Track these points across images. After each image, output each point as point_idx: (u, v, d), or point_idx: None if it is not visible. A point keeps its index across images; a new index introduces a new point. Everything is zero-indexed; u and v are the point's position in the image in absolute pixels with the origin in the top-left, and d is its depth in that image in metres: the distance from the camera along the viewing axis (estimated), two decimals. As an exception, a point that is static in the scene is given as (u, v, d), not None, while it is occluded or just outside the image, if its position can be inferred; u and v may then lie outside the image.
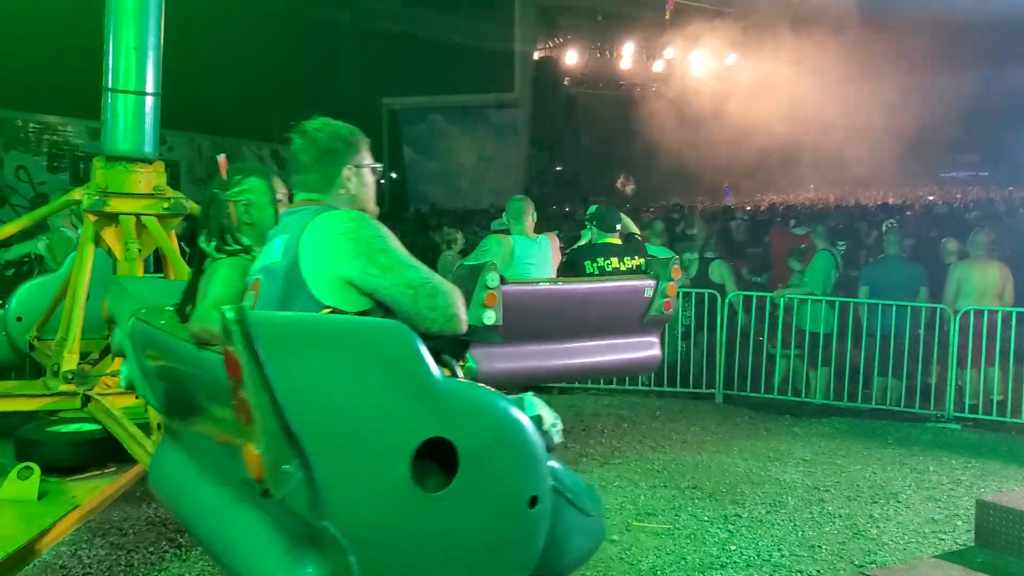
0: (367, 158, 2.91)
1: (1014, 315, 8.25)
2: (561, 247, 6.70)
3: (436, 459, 2.26)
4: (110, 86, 4.71)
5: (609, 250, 6.27)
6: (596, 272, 6.22)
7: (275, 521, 2.36)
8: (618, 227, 6.41)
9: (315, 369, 2.16)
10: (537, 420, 2.63)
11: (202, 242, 3.28)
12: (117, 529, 5.26)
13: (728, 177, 32.46)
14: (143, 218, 4.71)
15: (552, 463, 2.58)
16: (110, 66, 4.71)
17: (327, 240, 2.55)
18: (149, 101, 4.74)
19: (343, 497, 2.18)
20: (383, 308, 2.54)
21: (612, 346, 5.90)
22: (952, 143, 37.87)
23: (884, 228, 11.13)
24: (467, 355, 5.21)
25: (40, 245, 7.17)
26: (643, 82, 35.06)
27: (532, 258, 6.22)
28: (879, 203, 20.77)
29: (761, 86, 35.36)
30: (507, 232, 6.54)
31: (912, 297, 8.61)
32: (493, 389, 2.47)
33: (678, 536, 5.28)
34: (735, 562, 4.90)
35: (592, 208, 6.78)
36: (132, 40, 4.65)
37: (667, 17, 31.22)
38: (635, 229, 6.79)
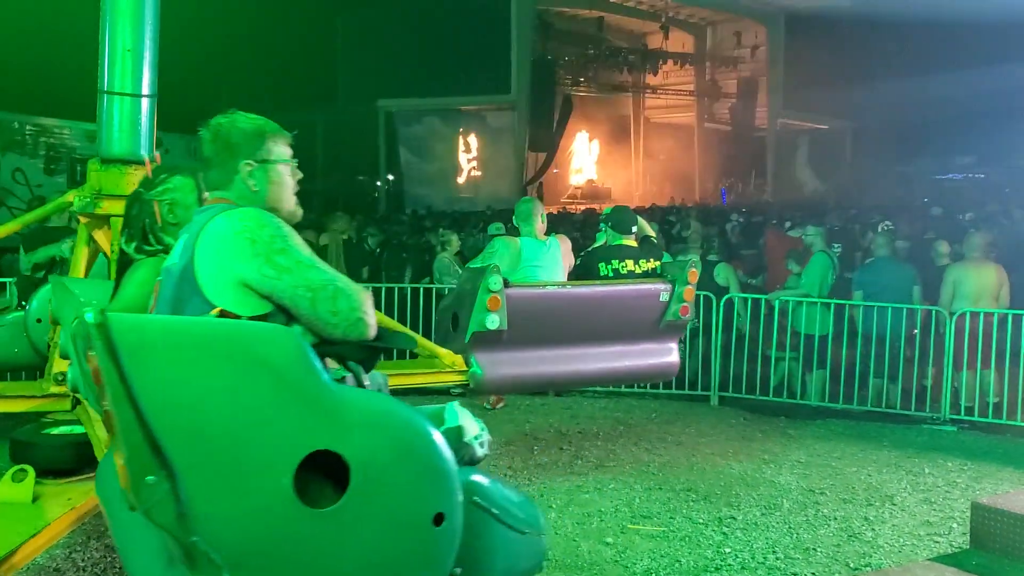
0: (276, 153, 2.72)
1: (1010, 317, 8.26)
2: (574, 249, 6.65)
3: (330, 473, 2.13)
4: (105, 88, 4.71)
5: (624, 252, 6.15)
6: (611, 275, 6.13)
7: (161, 534, 2.25)
8: (634, 229, 6.29)
9: (185, 376, 2.04)
10: (458, 431, 2.53)
11: (123, 243, 3.23)
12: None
13: (724, 179, 32.48)
14: (113, 220, 4.67)
15: (478, 477, 2.49)
16: (105, 68, 4.71)
17: (223, 240, 2.41)
18: (145, 103, 4.73)
19: (216, 511, 2.07)
20: (285, 313, 2.40)
21: (626, 352, 5.69)
22: (948, 145, 37.98)
23: (879, 230, 11.16)
24: (472, 360, 5.14)
25: (64, 247, 7.18)
26: (640, 86, 35.12)
27: (540, 260, 6.15)
28: (874, 205, 20.74)
29: (753, 91, 35.42)
30: (516, 234, 6.55)
31: (905, 298, 8.62)
32: (395, 398, 2.36)
33: (673, 538, 5.28)
34: (730, 565, 4.90)
35: (607, 210, 6.57)
36: (128, 42, 4.64)
37: (663, 22, 31.25)
38: (651, 232, 6.70)
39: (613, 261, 6.06)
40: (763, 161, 35.37)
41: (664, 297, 5.65)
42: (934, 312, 8.55)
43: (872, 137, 36.80)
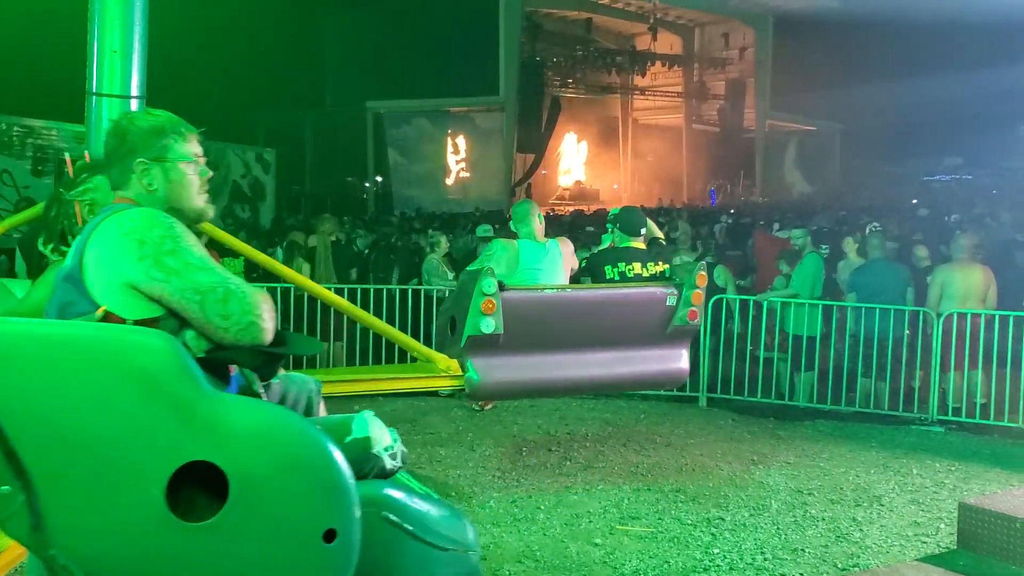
0: (176, 151, 2.58)
1: (997, 318, 8.31)
2: (577, 250, 6.53)
3: (211, 486, 2.03)
4: (94, 90, 4.69)
5: (632, 255, 5.98)
6: (617, 278, 5.98)
7: None
8: (643, 231, 6.12)
9: (45, 383, 1.96)
10: (365, 443, 2.44)
11: (40, 244, 3.17)
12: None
13: (713, 180, 32.56)
14: None
15: (391, 491, 2.40)
16: (94, 70, 4.69)
17: (111, 241, 2.32)
18: (134, 104, 4.72)
19: (77, 524, 1.98)
20: (177, 317, 2.30)
21: (630, 357, 5.51)
22: (936, 146, 38.18)
23: (867, 231, 11.20)
24: (468, 365, 5.08)
25: None
26: (628, 87, 35.17)
27: (539, 263, 5.93)
28: (863, 206, 20.83)
29: (742, 91, 35.53)
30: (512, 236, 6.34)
31: (899, 299, 8.65)
32: (285, 408, 2.27)
33: (661, 540, 5.28)
34: (718, 566, 4.91)
35: (615, 210, 6.37)
36: (116, 43, 4.62)
37: (652, 23, 31.30)
38: (659, 233, 6.60)
39: (620, 264, 5.90)
40: (752, 162, 35.47)
41: (671, 301, 5.48)
42: (921, 313, 8.59)
43: (860, 138, 36.97)
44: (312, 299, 7.98)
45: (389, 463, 2.51)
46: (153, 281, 2.27)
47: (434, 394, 8.24)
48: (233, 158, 23.20)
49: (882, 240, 9.33)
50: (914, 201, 22.83)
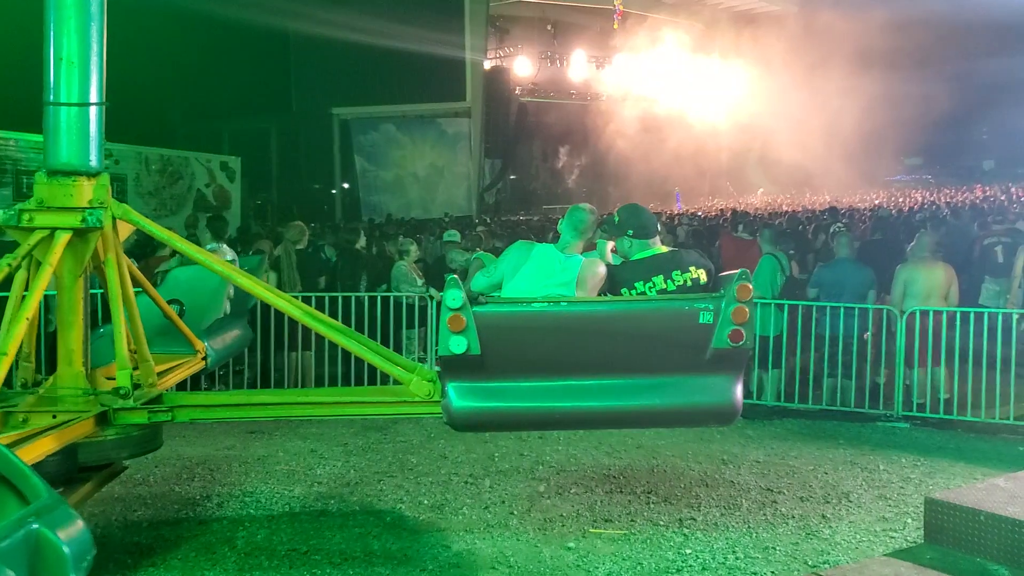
0: None
1: (958, 315, 8.44)
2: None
3: None
4: (51, 100, 4.62)
5: (652, 266, 4.68)
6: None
7: None
8: (659, 228, 4.98)
9: None
10: None
11: None
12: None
13: (679, 183, 32.74)
14: (57, 232, 4.58)
15: None
16: (51, 79, 4.62)
17: None
18: (93, 111, 4.65)
19: None
20: None
21: (657, 387, 4.43)
22: (897, 147, 38.72)
23: (832, 231, 11.33)
24: (448, 389, 4.32)
25: None
26: (594, 90, 35.33)
27: (544, 276, 4.69)
28: (826, 207, 21.06)
29: (706, 93, 35.81)
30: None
31: (861, 300, 8.75)
32: None
33: (634, 541, 5.30)
34: (691, 566, 4.93)
35: (618, 213, 4.96)
36: (73, 51, 4.54)
37: (615, 27, 31.46)
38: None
39: (637, 284, 4.64)
40: (716, 163, 35.73)
41: (705, 319, 4.34)
42: (885, 311, 8.69)
43: (820, 139, 37.36)
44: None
45: None
46: None
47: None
48: (197, 167, 22.99)
49: (848, 240, 9.44)
50: (876, 201, 23.11)
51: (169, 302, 5.67)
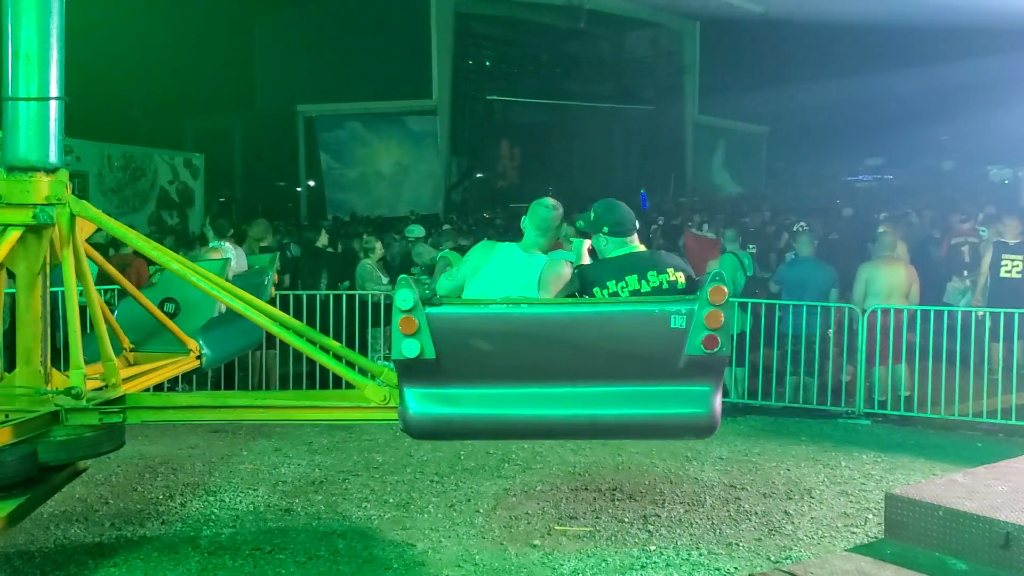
0: None
1: (919, 313, 8.56)
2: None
3: None
4: (9, 95, 4.55)
5: (626, 265, 4.38)
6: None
7: None
8: (636, 224, 4.59)
9: None
10: None
11: None
12: (22, 554, 5.09)
13: (643, 182, 32.85)
14: (9, 229, 4.50)
15: None
16: (8, 73, 4.55)
17: None
18: (53, 106, 4.58)
19: None
20: None
21: (628, 396, 4.14)
22: (858, 147, 39.22)
23: (795, 230, 11.44)
24: (406, 393, 4.08)
25: None
26: (560, 90, 35.39)
27: (503, 275, 4.51)
28: (789, 206, 21.27)
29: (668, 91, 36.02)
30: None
31: (822, 298, 8.85)
32: None
33: (599, 538, 5.33)
34: (655, 563, 4.97)
35: (593, 207, 4.59)
36: (33, 46, 4.48)
37: (582, 25, 31.52)
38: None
39: (609, 283, 4.33)
40: (682, 164, 35.94)
41: (678, 323, 4.02)
42: (847, 310, 8.80)
43: (785, 141, 37.82)
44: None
45: None
46: None
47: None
48: (160, 164, 22.74)
49: (811, 239, 9.55)
50: (838, 201, 23.39)
51: (164, 300, 5.60)
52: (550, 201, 4.66)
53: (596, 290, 4.33)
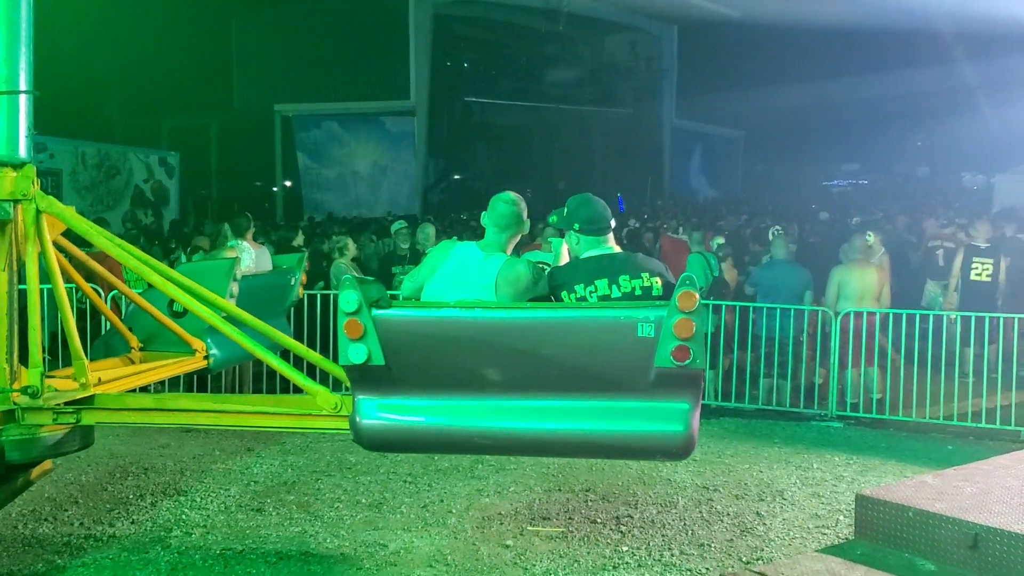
0: None
1: (891, 316, 8.64)
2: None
3: None
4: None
5: (597, 268, 4.05)
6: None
7: None
8: (612, 223, 4.24)
9: None
10: None
11: None
12: (-10, 552, 5.03)
13: (621, 185, 32.93)
14: None
15: None
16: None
17: None
18: (23, 100, 4.52)
19: None
20: None
21: (590, 411, 3.74)
22: (834, 153, 39.57)
23: (771, 235, 11.51)
24: (357, 401, 3.79)
25: None
26: (539, 93, 35.43)
27: (460, 276, 4.16)
28: (766, 210, 21.42)
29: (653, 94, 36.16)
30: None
31: (797, 300, 8.90)
32: None
33: (572, 539, 5.33)
34: (627, 563, 4.97)
35: (567, 202, 4.28)
36: (1, 39, 4.41)
37: (561, 28, 31.57)
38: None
39: (578, 287, 4.00)
40: (660, 167, 36.08)
41: (646, 332, 3.61)
42: (820, 312, 8.86)
43: (761, 145, 38.09)
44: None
45: None
46: None
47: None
48: (135, 161, 22.56)
49: (786, 242, 9.61)
50: (813, 206, 23.56)
51: (172, 299, 5.52)
52: (510, 195, 4.30)
53: (564, 294, 4.02)
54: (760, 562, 4.98)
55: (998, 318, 8.26)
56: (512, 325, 3.76)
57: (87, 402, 4.38)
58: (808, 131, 38.04)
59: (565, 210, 4.26)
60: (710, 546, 5.24)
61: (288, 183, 29.72)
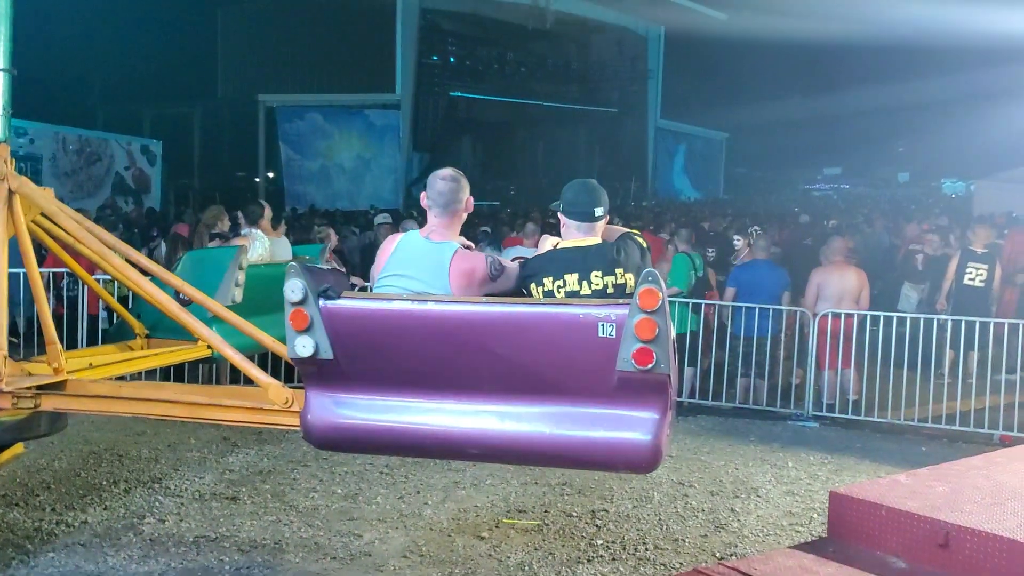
0: None
1: (868, 318, 8.69)
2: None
3: None
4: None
5: (569, 260, 3.67)
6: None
7: None
8: (598, 212, 3.75)
9: None
10: None
11: None
12: (-41, 535, 4.99)
13: (604, 184, 33.00)
14: None
15: None
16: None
17: None
18: (1, 78, 4.47)
19: None
20: None
21: (549, 416, 3.44)
22: (816, 158, 39.84)
23: (751, 235, 11.56)
24: (307, 397, 3.55)
25: None
26: (525, 90, 35.45)
27: (406, 267, 3.72)
28: (748, 212, 21.53)
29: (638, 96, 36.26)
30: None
31: (775, 300, 8.94)
32: None
33: (547, 532, 5.33)
34: (601, 556, 4.98)
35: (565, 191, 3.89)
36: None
37: (548, 27, 31.60)
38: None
39: (546, 280, 3.64)
40: (643, 167, 36.20)
41: (607, 332, 3.28)
42: (798, 313, 8.90)
43: (745, 148, 38.30)
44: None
45: None
46: None
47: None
48: (117, 149, 22.40)
49: (767, 243, 9.65)
50: (795, 208, 23.71)
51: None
52: (447, 171, 3.90)
53: (532, 286, 3.67)
54: (733, 557, 5.00)
55: (989, 323, 8.32)
56: (467, 320, 3.44)
57: (57, 387, 4.33)
58: (791, 135, 38.28)
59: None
60: (684, 541, 5.26)
61: (271, 174, 29.60)
